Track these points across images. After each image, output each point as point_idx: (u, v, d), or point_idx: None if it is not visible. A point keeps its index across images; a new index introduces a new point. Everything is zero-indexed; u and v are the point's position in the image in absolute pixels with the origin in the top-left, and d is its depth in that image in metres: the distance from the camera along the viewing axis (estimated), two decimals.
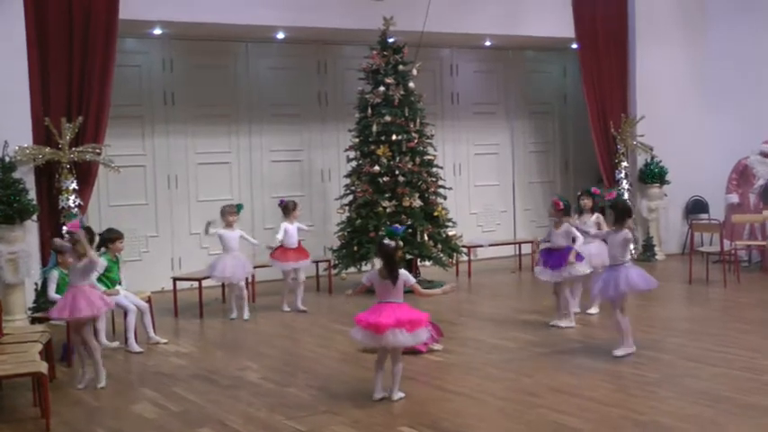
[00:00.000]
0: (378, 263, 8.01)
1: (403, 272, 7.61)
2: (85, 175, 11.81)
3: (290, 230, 11.98)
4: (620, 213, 9.11)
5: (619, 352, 8.94)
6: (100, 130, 11.91)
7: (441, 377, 8.17)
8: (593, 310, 11.13)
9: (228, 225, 11.66)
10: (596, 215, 11.17)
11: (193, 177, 14.14)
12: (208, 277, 11.88)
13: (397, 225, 7.73)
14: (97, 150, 11.78)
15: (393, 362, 7.62)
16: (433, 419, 7.04)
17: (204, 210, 13.98)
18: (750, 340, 9.56)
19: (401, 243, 7.79)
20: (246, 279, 11.94)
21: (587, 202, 11.25)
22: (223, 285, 12.61)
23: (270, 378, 8.65)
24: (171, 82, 13.93)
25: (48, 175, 11.60)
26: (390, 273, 7.50)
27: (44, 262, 11.10)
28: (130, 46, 13.46)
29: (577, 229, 10.39)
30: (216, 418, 7.34)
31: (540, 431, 6.75)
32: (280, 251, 11.94)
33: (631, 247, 9.07)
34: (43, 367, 7.45)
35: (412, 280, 7.67)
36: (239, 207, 11.99)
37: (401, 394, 7.63)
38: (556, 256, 10.41)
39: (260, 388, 8.31)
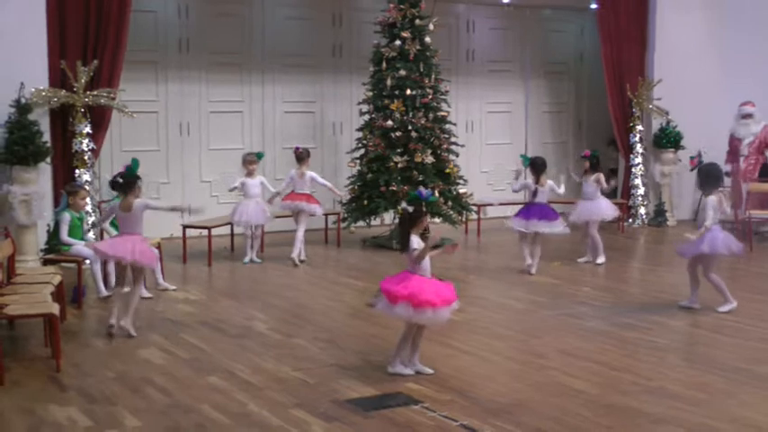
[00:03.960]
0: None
1: (411, 238, 6.97)
2: (99, 119, 11.82)
3: (300, 181, 12.02)
4: (704, 179, 9.52)
5: (724, 308, 9.27)
6: (115, 75, 11.89)
7: (448, 335, 8.13)
8: (600, 259, 12.03)
9: (250, 173, 11.87)
10: (596, 174, 11.99)
11: (205, 125, 14.12)
12: (217, 226, 11.96)
13: (422, 189, 7.29)
14: (112, 95, 11.76)
15: (419, 332, 7.15)
16: (441, 377, 7.05)
17: (215, 158, 14.03)
18: (762, 310, 9.50)
19: (424, 209, 7.09)
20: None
21: (584, 165, 12.22)
22: (232, 233, 12.65)
23: (277, 329, 8.70)
24: (186, 29, 13.86)
25: (62, 118, 11.60)
26: (402, 240, 7.12)
27: (56, 204, 11.12)
28: None
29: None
30: (224, 367, 7.38)
31: (546, 392, 6.76)
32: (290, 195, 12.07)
33: (719, 213, 9.27)
34: (55, 309, 7.51)
35: (412, 249, 6.94)
36: (260, 155, 12.22)
37: (428, 370, 7.14)
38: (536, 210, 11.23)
39: (268, 338, 8.35)
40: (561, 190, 11.43)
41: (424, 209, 7.08)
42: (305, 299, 10.15)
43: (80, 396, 6.68)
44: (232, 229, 12.74)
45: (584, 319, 9.11)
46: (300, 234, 12.01)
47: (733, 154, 14.78)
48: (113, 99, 11.78)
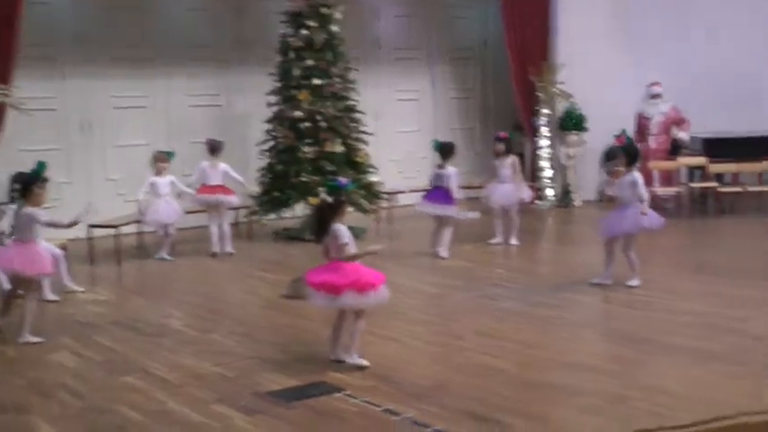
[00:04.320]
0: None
1: (336, 228, 6.83)
2: None
3: (213, 172, 11.97)
4: (630, 156, 9.53)
5: (633, 282, 9.39)
6: (8, 71, 11.54)
7: (369, 321, 8.00)
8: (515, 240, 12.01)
9: (159, 172, 11.71)
10: (511, 157, 12.18)
11: (108, 122, 13.75)
12: (125, 224, 11.72)
13: (341, 178, 7.19)
14: (6, 92, 11.39)
15: (355, 320, 7.01)
16: None
17: (120, 155, 13.69)
18: (668, 283, 9.69)
19: (342, 198, 6.95)
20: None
21: (499, 147, 12.24)
22: (140, 232, 12.39)
23: (193, 325, 8.53)
24: (82, 21, 13.43)
25: None
26: (317, 230, 6.98)
27: None
28: None
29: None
30: (140, 367, 7.20)
31: (467, 374, 6.76)
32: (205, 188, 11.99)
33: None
34: None
35: (343, 240, 6.82)
36: (171, 154, 11.99)
37: (364, 362, 6.95)
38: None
39: (184, 335, 8.18)
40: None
41: (343, 198, 6.98)
42: (219, 294, 10.01)
43: None
44: (140, 228, 12.44)
45: (499, 300, 9.15)
46: (226, 227, 12.03)
47: (641, 133, 14.96)
48: (8, 96, 11.40)
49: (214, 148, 12.04)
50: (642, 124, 15.00)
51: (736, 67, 15.95)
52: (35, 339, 8.03)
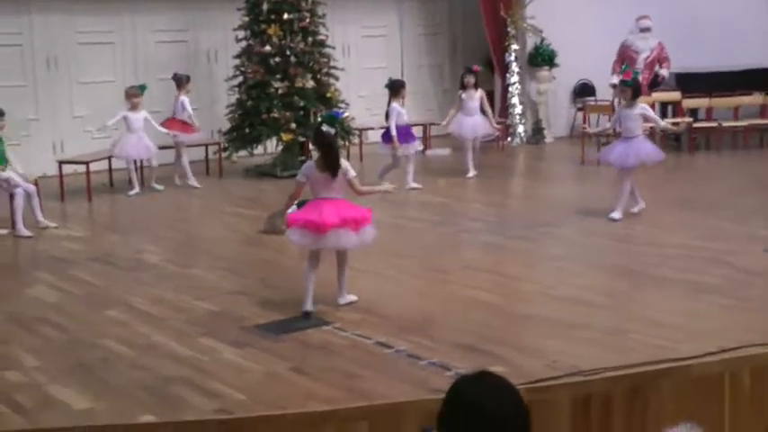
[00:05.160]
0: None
1: (344, 163, 6.60)
2: None
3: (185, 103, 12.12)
4: (636, 90, 9.66)
5: (616, 215, 9.39)
6: None
7: (351, 257, 7.90)
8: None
9: (134, 107, 11.64)
10: (480, 91, 12.38)
11: (74, 58, 13.46)
12: (96, 160, 11.57)
13: (336, 110, 7.05)
14: None
15: (339, 265, 6.74)
16: None
17: (87, 92, 13.44)
18: (649, 218, 9.60)
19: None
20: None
21: (470, 80, 12.33)
22: (110, 168, 12.20)
23: (172, 260, 8.44)
24: None
25: None
26: (330, 164, 6.45)
27: None
28: None
29: None
30: (122, 300, 7.12)
31: (455, 306, 6.74)
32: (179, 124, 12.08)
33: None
34: None
35: (352, 173, 6.60)
36: (143, 87, 11.92)
37: (352, 297, 6.82)
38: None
39: (162, 270, 8.10)
40: None
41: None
42: (195, 230, 9.91)
43: None
44: (110, 164, 12.25)
45: (479, 234, 9.15)
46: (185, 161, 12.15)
47: (631, 66, 14.80)
48: None
49: (179, 81, 12.20)
50: (629, 57, 14.82)
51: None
52: None
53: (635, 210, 9.63)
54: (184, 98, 12.16)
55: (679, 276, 7.32)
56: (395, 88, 11.72)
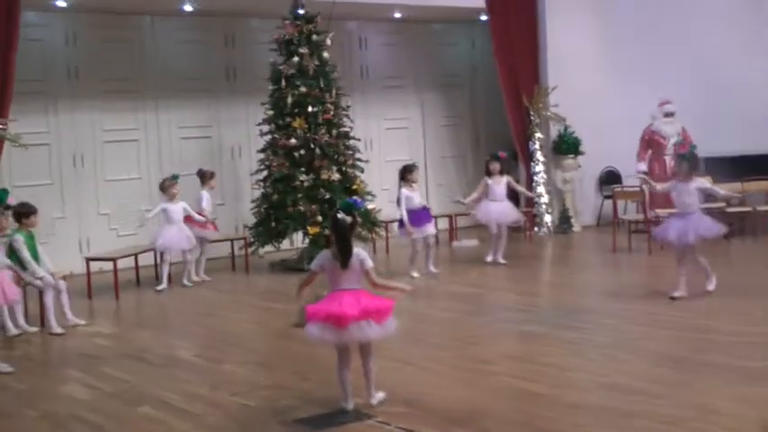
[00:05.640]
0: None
1: (359, 251, 6.28)
2: None
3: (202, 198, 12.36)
4: (693, 164, 9.84)
5: (711, 286, 9.61)
6: (4, 105, 11.29)
7: (387, 347, 7.57)
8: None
9: (171, 198, 11.72)
10: (506, 176, 12.62)
11: (100, 155, 13.54)
12: (124, 257, 11.54)
13: (356, 198, 6.85)
14: (2, 126, 11.13)
15: (364, 359, 6.36)
16: (388, 389, 6.59)
17: (112, 189, 13.50)
18: (688, 303, 9.38)
19: (359, 219, 6.66)
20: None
21: (496, 166, 12.49)
22: (137, 265, 12.09)
23: (204, 355, 8.28)
24: (75, 56, 13.30)
25: None
26: (341, 253, 6.20)
27: None
28: (31, 19, 12.70)
29: None
30: (155, 397, 6.92)
31: (503, 397, 6.50)
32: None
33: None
34: None
35: (369, 263, 6.27)
36: (176, 177, 11.99)
37: (381, 395, 6.42)
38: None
39: (195, 366, 7.92)
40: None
41: (358, 218, 6.53)
42: (225, 324, 9.72)
43: None
44: (136, 261, 12.15)
45: (519, 324, 8.91)
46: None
47: (657, 152, 14.77)
48: (4, 130, 11.14)
49: (203, 176, 12.46)
50: (656, 142, 14.79)
51: (730, 84, 16.00)
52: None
53: (710, 287, 9.65)
54: (203, 192, 12.29)
55: (729, 362, 7.07)
56: (402, 173, 11.87)
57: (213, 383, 7.24)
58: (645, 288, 10.51)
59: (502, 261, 12.40)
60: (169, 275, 11.81)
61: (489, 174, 12.47)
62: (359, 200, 6.70)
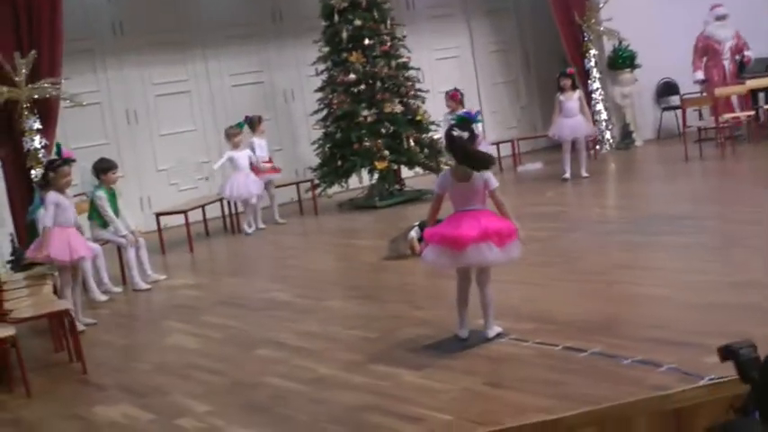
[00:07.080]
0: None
1: (487, 172, 5.74)
2: (47, 113, 10.81)
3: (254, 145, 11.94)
4: None
5: None
6: (55, 64, 10.88)
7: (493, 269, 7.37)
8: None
9: (235, 146, 11.52)
10: (578, 91, 12.57)
11: (153, 110, 13.22)
12: (193, 208, 11.32)
13: (469, 110, 6.47)
14: (56, 85, 10.82)
15: (481, 287, 5.88)
16: (509, 307, 6.33)
17: (168, 144, 13.22)
18: None
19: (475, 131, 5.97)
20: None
21: (567, 82, 12.45)
22: (204, 217, 11.81)
23: (303, 295, 7.96)
24: (118, 12, 12.94)
25: (6, 116, 10.59)
26: (471, 166, 5.66)
27: (14, 208, 10.22)
28: None
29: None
30: (268, 339, 6.68)
31: (628, 305, 6.27)
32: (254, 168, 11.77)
33: None
34: (65, 304, 6.74)
35: (494, 183, 5.76)
36: (240, 125, 11.80)
37: (498, 329, 5.90)
38: None
39: (298, 306, 7.62)
40: None
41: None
42: (313, 264, 9.45)
43: (124, 393, 5.92)
44: (204, 213, 11.86)
45: (616, 235, 8.59)
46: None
47: (714, 58, 14.33)
48: (58, 89, 10.83)
49: (251, 123, 12.04)
50: (712, 48, 14.33)
51: None
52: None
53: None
54: (254, 139, 11.96)
55: None
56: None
57: (323, 320, 6.99)
58: (734, 190, 10.14)
59: (585, 174, 12.25)
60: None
61: (561, 90, 12.29)
62: (471, 111, 6.37)
